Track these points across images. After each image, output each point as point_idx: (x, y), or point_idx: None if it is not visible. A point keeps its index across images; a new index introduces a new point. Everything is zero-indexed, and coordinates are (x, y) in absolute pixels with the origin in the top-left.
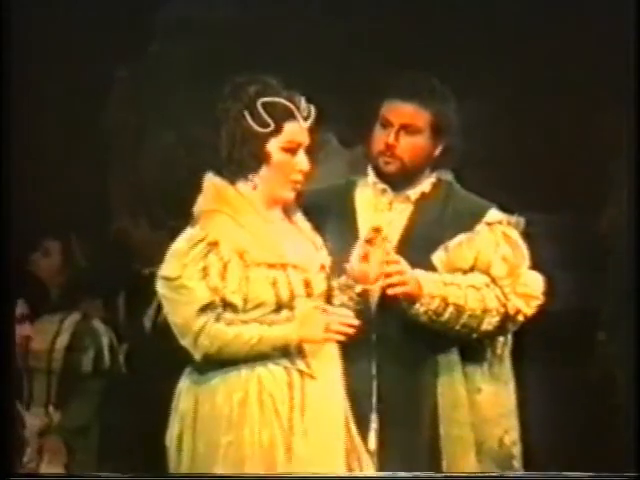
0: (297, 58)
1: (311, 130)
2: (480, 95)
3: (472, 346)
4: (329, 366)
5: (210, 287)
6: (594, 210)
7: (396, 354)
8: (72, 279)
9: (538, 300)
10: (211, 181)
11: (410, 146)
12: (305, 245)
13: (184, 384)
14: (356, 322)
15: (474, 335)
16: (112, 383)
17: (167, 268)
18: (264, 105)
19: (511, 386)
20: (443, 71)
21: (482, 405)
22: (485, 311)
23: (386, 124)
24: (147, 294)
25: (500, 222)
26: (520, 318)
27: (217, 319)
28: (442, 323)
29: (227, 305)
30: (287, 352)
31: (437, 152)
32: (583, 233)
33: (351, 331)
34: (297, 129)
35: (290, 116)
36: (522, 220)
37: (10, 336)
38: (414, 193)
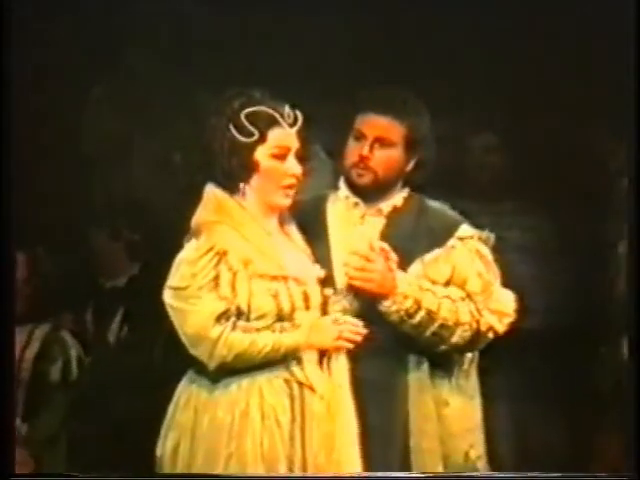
0: (281, 70)
1: (302, 137)
2: (473, 103)
3: (440, 360)
4: (335, 377)
5: (221, 296)
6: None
7: (369, 364)
8: (41, 291)
9: (510, 317)
10: (212, 192)
11: (384, 159)
12: (301, 257)
13: (182, 395)
14: (365, 331)
15: (444, 347)
16: (80, 394)
17: (175, 278)
18: (247, 116)
19: (477, 401)
20: (438, 72)
21: (449, 419)
22: (457, 324)
23: (360, 137)
24: (112, 308)
25: (472, 237)
26: (490, 335)
27: (233, 327)
28: (412, 326)
29: (238, 314)
30: (292, 360)
31: (410, 166)
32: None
33: (360, 339)
34: (283, 135)
35: (274, 123)
36: (492, 236)
37: (7, 344)
38: (386, 206)
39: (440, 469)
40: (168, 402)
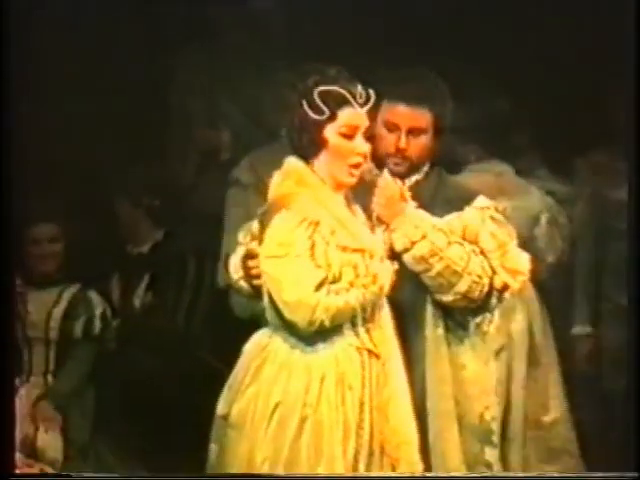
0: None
1: (372, 116)
2: (479, 86)
3: (457, 322)
4: (388, 344)
5: (318, 265)
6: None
7: None
8: (71, 259)
9: (524, 276)
10: (293, 164)
11: (418, 147)
12: (369, 232)
13: (256, 357)
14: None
15: (452, 295)
16: (103, 350)
17: (272, 248)
18: (320, 94)
19: (492, 363)
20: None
21: (465, 381)
22: (466, 271)
23: (392, 128)
24: (138, 273)
25: (488, 208)
26: (506, 294)
27: (327, 292)
28: (417, 259)
29: (332, 282)
30: (362, 327)
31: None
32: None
33: None
34: (353, 115)
35: (345, 102)
36: (509, 207)
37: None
38: (409, 181)
39: (455, 430)
40: (193, 361)
